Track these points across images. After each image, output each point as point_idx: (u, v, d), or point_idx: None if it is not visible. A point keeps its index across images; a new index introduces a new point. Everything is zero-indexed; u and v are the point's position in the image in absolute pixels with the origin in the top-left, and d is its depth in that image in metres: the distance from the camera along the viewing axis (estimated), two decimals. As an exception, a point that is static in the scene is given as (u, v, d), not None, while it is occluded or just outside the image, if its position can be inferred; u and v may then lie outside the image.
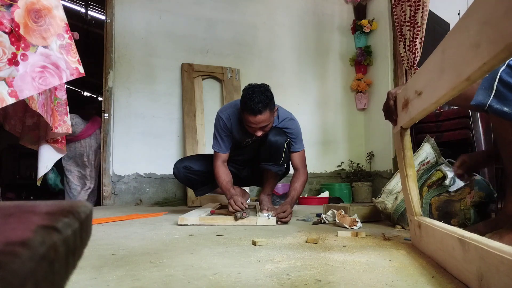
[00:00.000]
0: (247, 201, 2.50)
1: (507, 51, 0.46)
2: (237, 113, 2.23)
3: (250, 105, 1.98)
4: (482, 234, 1.13)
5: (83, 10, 6.14)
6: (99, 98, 7.79)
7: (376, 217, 2.07)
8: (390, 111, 1.20)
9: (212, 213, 2.22)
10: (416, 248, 1.23)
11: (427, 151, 1.85)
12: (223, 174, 2.24)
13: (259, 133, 2.09)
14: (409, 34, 3.50)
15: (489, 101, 1.06)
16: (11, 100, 1.53)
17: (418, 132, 2.69)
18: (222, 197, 3.18)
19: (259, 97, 1.99)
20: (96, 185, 3.78)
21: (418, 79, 0.92)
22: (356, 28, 4.46)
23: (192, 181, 2.52)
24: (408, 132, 1.20)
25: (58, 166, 3.57)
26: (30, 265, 0.22)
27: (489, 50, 0.49)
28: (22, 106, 2.22)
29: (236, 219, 1.95)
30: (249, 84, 2.09)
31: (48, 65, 1.62)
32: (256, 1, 4.27)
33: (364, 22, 4.38)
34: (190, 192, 3.32)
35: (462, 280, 0.78)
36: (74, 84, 7.81)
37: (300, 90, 4.32)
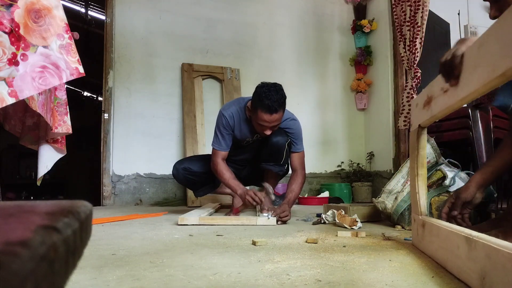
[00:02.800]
0: None
1: None
2: (240, 112, 2.23)
3: (267, 103, 1.97)
4: (486, 233, 1.13)
5: (83, 10, 6.13)
6: (99, 98, 7.80)
7: (376, 217, 2.07)
8: (454, 64, 0.85)
9: (236, 212, 2.24)
10: (416, 248, 1.23)
11: (427, 151, 1.85)
12: (226, 170, 2.23)
13: (268, 132, 2.08)
14: (409, 34, 3.50)
15: None
16: (11, 100, 1.53)
17: (418, 132, 2.69)
18: (223, 197, 3.18)
19: (275, 95, 1.98)
20: None
21: None
22: (356, 28, 4.46)
23: (192, 182, 2.51)
24: (425, 131, 1.19)
25: None
26: (30, 265, 0.22)
27: None
28: (22, 106, 2.22)
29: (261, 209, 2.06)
30: (262, 83, 2.09)
31: (48, 65, 1.62)
32: (256, 1, 4.27)
33: (364, 22, 4.37)
34: (190, 192, 3.32)
35: (462, 279, 0.78)
36: (74, 84, 7.81)
37: (300, 90, 4.32)
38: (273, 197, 2.10)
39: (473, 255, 0.69)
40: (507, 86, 1.08)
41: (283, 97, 2.03)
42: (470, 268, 0.70)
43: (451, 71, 0.86)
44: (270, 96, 1.97)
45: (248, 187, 2.39)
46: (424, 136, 1.19)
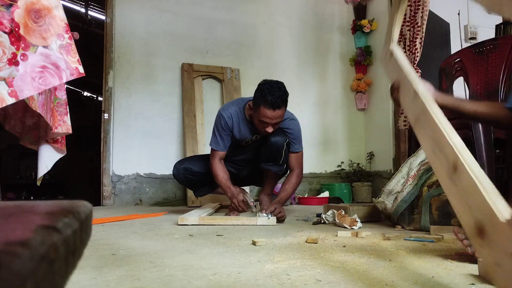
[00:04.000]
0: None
1: None
2: (239, 113, 2.23)
3: (270, 99, 1.97)
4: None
5: (83, 10, 6.13)
6: (99, 98, 7.79)
7: (376, 217, 2.07)
8: (393, 94, 1.17)
9: (230, 210, 2.27)
10: (416, 248, 1.23)
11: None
12: (221, 171, 2.24)
13: (270, 130, 2.08)
14: (409, 34, 3.50)
15: None
16: (11, 100, 1.53)
17: (418, 132, 2.69)
18: (223, 197, 3.18)
19: (278, 92, 1.99)
20: None
21: None
22: (356, 28, 4.46)
23: (192, 182, 2.52)
24: None
25: None
26: (30, 265, 0.22)
27: None
28: (22, 106, 2.22)
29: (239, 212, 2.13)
30: (264, 80, 2.10)
31: (48, 65, 1.62)
32: (256, 1, 4.27)
33: (364, 22, 4.37)
34: (190, 192, 3.32)
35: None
36: (74, 84, 7.80)
37: (300, 90, 4.31)
38: (254, 209, 2.19)
39: (415, 101, 0.92)
40: None
41: (286, 94, 2.05)
42: (412, 110, 0.93)
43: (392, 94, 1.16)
44: (273, 92, 1.98)
45: (247, 188, 2.40)
46: None
